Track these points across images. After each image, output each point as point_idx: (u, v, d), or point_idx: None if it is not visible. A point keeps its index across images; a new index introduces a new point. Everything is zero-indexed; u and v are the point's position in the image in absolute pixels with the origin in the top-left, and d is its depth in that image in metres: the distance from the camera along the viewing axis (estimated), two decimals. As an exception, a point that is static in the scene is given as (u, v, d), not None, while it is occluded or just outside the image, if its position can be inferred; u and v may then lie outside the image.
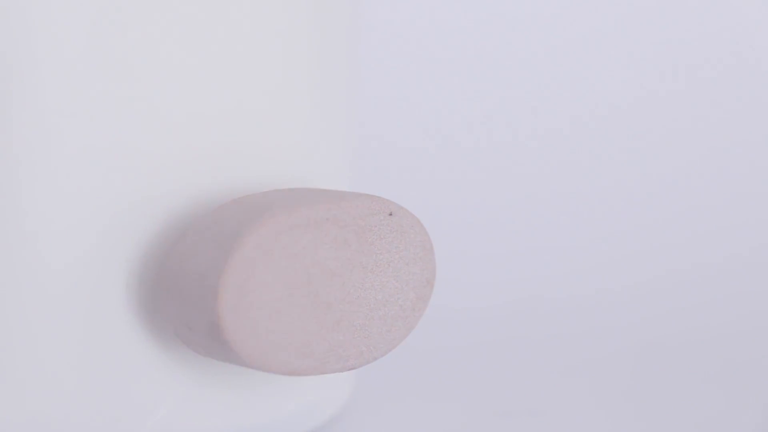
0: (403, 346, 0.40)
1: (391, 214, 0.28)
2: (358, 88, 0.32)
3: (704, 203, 0.52)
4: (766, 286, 0.48)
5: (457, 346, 0.41)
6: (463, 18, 0.53)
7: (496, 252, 0.50)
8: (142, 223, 0.28)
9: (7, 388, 0.27)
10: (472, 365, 0.38)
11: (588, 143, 0.53)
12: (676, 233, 0.51)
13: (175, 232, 0.28)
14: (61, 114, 0.26)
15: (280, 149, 0.29)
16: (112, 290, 0.27)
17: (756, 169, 0.53)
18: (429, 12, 0.53)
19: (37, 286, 0.27)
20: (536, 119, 0.53)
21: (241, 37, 0.28)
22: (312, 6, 0.29)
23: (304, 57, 0.29)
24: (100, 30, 0.26)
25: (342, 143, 0.31)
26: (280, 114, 0.29)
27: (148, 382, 0.28)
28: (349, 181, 0.32)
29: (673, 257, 0.50)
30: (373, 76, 0.52)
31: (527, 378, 0.37)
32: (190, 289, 0.27)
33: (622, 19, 0.54)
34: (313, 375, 0.27)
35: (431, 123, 0.52)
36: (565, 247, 0.50)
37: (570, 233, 0.51)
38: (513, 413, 0.34)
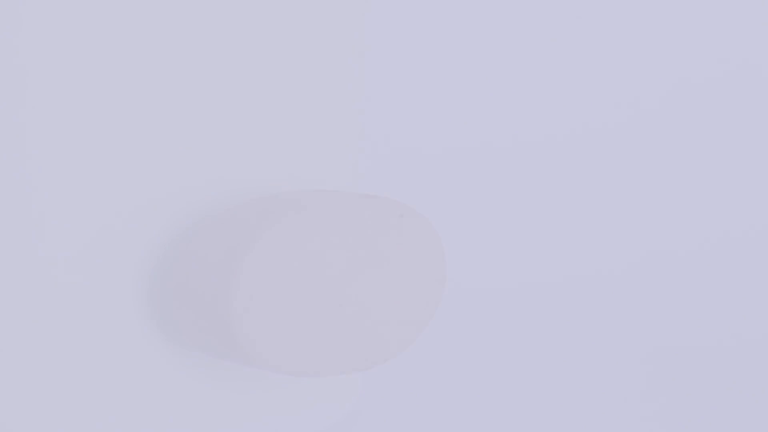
0: (414, 347, 0.40)
1: (401, 217, 0.28)
2: (367, 91, 0.32)
3: (712, 205, 0.52)
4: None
5: (467, 346, 0.41)
6: (470, 18, 0.53)
7: (506, 253, 0.50)
8: (154, 225, 0.28)
9: (17, 388, 0.27)
10: (482, 366, 0.38)
11: (596, 145, 0.53)
12: (683, 236, 0.51)
13: (187, 234, 0.28)
14: (72, 117, 0.26)
15: (291, 152, 0.29)
16: (123, 292, 0.28)
17: (758, 171, 0.53)
18: (436, 12, 0.53)
19: (49, 287, 0.27)
20: (543, 121, 0.53)
21: (248, 40, 0.28)
22: (318, 8, 0.29)
23: (312, 60, 0.29)
24: (111, 32, 0.27)
25: (352, 146, 0.31)
26: (290, 117, 0.29)
27: (158, 383, 0.28)
28: (360, 183, 0.32)
29: (681, 260, 0.50)
30: (381, 77, 0.52)
31: (539, 380, 0.37)
32: (202, 291, 0.27)
33: (624, 21, 0.54)
34: (325, 376, 0.28)
35: (441, 125, 0.53)
36: (572, 249, 0.50)
37: (577, 235, 0.51)
38: (524, 415, 0.34)
